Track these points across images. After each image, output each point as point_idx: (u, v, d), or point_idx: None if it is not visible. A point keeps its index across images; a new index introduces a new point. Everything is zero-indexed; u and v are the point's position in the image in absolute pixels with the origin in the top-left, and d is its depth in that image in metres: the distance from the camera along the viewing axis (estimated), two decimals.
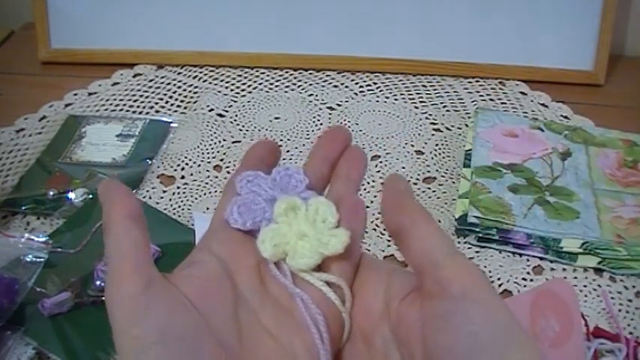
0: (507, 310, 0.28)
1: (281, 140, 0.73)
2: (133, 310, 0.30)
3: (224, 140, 0.73)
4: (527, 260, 0.59)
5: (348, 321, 0.32)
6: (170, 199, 0.66)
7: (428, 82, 0.81)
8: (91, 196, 0.64)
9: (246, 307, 0.31)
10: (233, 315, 0.31)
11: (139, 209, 0.32)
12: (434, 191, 0.66)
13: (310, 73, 0.83)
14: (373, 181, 0.68)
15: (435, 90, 0.80)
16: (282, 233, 0.33)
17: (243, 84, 0.82)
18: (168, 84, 0.82)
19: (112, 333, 0.30)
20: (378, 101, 0.79)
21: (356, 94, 0.80)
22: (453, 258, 0.30)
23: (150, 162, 0.70)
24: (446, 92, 0.80)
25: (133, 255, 0.31)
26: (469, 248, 0.60)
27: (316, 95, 0.80)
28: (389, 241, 0.61)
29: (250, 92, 0.81)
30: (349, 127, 0.75)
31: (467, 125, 0.74)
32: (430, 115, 0.76)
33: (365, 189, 0.67)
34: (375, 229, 0.62)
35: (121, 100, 0.80)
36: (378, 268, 0.34)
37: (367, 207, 0.64)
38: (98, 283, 0.55)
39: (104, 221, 0.32)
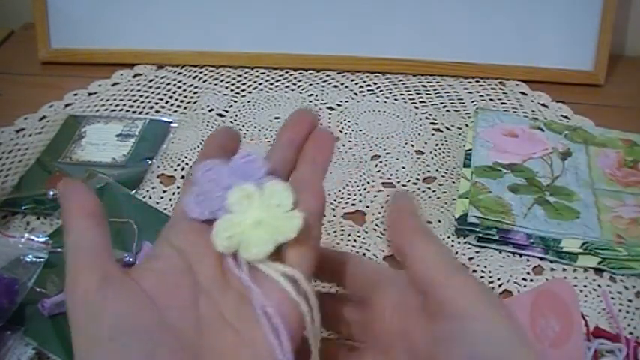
0: (509, 326, 0.28)
1: None
2: (88, 305, 0.29)
3: None
4: (527, 260, 0.59)
5: (317, 315, 0.31)
6: (170, 199, 0.66)
7: (428, 82, 0.81)
8: None
9: (207, 298, 0.31)
10: (193, 308, 0.30)
11: (98, 207, 0.33)
12: (434, 191, 0.66)
13: (310, 73, 0.83)
14: (373, 181, 0.68)
15: (435, 90, 0.80)
16: (236, 223, 0.31)
17: (243, 84, 0.82)
18: (168, 84, 0.82)
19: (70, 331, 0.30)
20: (378, 101, 0.79)
21: (356, 94, 0.80)
22: (453, 278, 0.30)
23: (150, 162, 0.70)
24: (446, 92, 0.80)
25: (89, 251, 0.31)
26: (469, 248, 0.60)
27: (316, 95, 0.80)
28: (389, 241, 0.61)
29: (250, 92, 0.81)
30: (349, 127, 0.75)
31: (467, 125, 0.74)
32: (430, 115, 0.76)
33: (365, 189, 0.67)
34: (375, 229, 0.62)
35: (121, 100, 0.80)
36: (394, 282, 0.35)
37: (367, 207, 0.65)
38: None
39: (63, 220, 0.32)
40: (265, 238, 0.31)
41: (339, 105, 0.78)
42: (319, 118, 0.36)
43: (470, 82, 0.81)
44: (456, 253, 0.60)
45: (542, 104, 0.78)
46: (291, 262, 0.31)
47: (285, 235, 0.31)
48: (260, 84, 0.82)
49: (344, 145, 0.72)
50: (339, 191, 0.67)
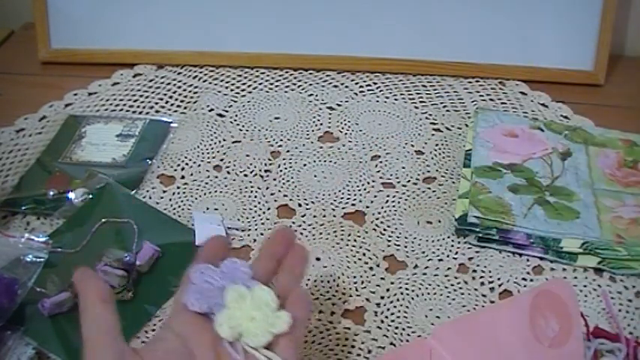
0: None
1: (281, 140, 0.73)
2: None
3: (224, 140, 0.73)
4: (527, 260, 0.59)
5: None
6: (170, 199, 0.66)
7: (428, 82, 0.81)
8: (91, 196, 0.64)
9: None
10: None
11: (110, 293, 0.41)
12: (434, 191, 0.66)
13: (310, 73, 0.83)
14: (373, 181, 0.68)
15: (435, 90, 0.80)
16: (236, 317, 0.40)
17: (243, 84, 0.82)
18: (168, 84, 0.82)
19: None
20: (378, 101, 0.79)
21: (356, 94, 0.80)
22: None
23: (150, 162, 0.70)
24: (446, 92, 0.80)
25: (104, 333, 0.38)
26: (469, 248, 0.60)
27: (316, 95, 0.80)
28: (389, 241, 0.61)
29: (250, 92, 0.81)
30: (349, 127, 0.75)
31: (467, 125, 0.74)
32: (430, 115, 0.76)
33: (365, 189, 0.67)
34: (375, 229, 0.62)
35: (121, 100, 0.80)
36: None
37: (367, 207, 0.65)
38: None
39: (80, 304, 0.40)
40: (262, 330, 0.40)
41: (339, 105, 0.78)
42: (296, 235, 0.49)
43: (470, 82, 0.81)
44: (456, 253, 0.60)
45: (542, 104, 0.78)
46: (280, 350, 0.40)
47: (278, 329, 0.40)
48: (260, 84, 0.82)
49: (344, 145, 0.72)
50: (339, 191, 0.67)
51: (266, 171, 0.69)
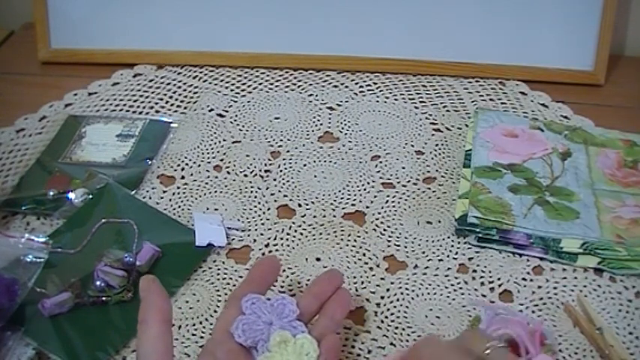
0: None
1: (281, 140, 0.73)
2: None
3: (224, 140, 0.73)
4: (528, 260, 0.59)
5: None
6: (170, 199, 0.66)
7: (428, 82, 0.81)
8: (91, 197, 0.65)
9: None
10: None
11: (171, 313, 0.43)
12: (434, 191, 0.66)
13: (310, 73, 0.83)
14: (373, 182, 0.68)
15: (435, 90, 0.80)
16: None
17: (243, 84, 0.82)
18: (168, 84, 0.82)
19: None
20: (378, 101, 0.79)
21: (356, 94, 0.80)
22: None
23: (150, 162, 0.70)
24: (446, 92, 0.80)
25: (163, 354, 0.40)
26: (469, 248, 0.60)
27: (316, 95, 0.80)
28: (389, 241, 0.61)
29: (250, 92, 0.80)
30: (349, 127, 0.75)
31: (467, 125, 0.74)
32: (430, 115, 0.76)
33: (365, 189, 0.67)
34: (375, 230, 0.62)
35: (121, 100, 0.80)
36: None
37: (367, 207, 0.65)
38: (98, 283, 0.55)
39: (140, 316, 0.42)
40: None
41: (339, 105, 0.78)
42: (343, 280, 0.51)
43: (470, 82, 0.81)
44: (456, 253, 0.60)
45: (542, 104, 0.78)
46: None
47: None
48: (260, 84, 0.82)
49: (344, 145, 0.72)
50: (339, 191, 0.67)
51: (266, 171, 0.69)
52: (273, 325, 0.45)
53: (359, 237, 0.62)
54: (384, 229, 0.62)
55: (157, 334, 0.41)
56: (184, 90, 0.81)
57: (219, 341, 0.45)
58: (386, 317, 0.55)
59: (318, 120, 0.76)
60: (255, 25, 0.83)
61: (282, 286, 0.57)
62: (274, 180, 0.68)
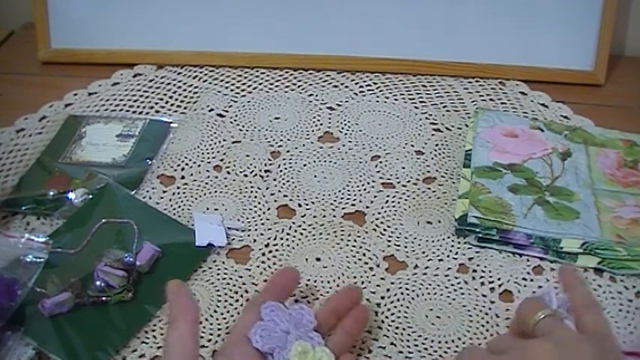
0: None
1: (281, 140, 0.73)
2: None
3: (224, 140, 0.73)
4: (528, 260, 0.59)
5: None
6: (170, 199, 0.66)
7: (428, 82, 0.81)
8: (91, 197, 0.65)
9: None
10: None
11: (198, 314, 0.44)
12: (434, 191, 0.66)
13: (310, 73, 0.83)
14: (373, 182, 0.68)
15: (435, 90, 0.80)
16: None
17: (243, 84, 0.82)
18: (168, 84, 0.82)
19: None
20: (378, 101, 0.79)
21: (356, 94, 0.80)
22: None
23: (150, 162, 0.70)
24: (446, 92, 0.80)
25: (190, 350, 0.42)
26: (469, 248, 0.60)
27: (316, 95, 0.80)
28: (389, 241, 0.61)
29: (250, 92, 0.80)
30: (349, 127, 0.75)
31: (467, 125, 0.74)
32: (430, 115, 0.76)
33: (365, 189, 0.67)
34: (375, 229, 0.62)
35: (121, 100, 0.80)
36: None
37: (367, 207, 0.65)
38: (98, 283, 0.55)
39: (172, 314, 0.44)
40: None
41: (339, 105, 0.78)
42: (362, 295, 0.52)
43: (470, 82, 0.81)
44: (456, 253, 0.60)
45: (542, 104, 0.78)
46: None
47: None
48: (260, 84, 0.82)
49: (344, 145, 0.72)
50: (339, 191, 0.67)
51: (266, 171, 0.69)
52: (291, 333, 0.46)
53: (359, 237, 0.62)
54: (384, 229, 0.62)
55: (186, 332, 0.43)
56: (184, 90, 0.81)
57: (235, 344, 0.46)
58: (386, 317, 0.55)
59: (318, 120, 0.76)
60: (255, 25, 0.83)
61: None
62: (274, 180, 0.68)
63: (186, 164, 0.70)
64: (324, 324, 0.48)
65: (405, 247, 0.61)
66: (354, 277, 0.58)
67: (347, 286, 0.54)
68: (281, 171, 0.69)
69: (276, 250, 0.61)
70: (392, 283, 0.57)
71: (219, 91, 0.80)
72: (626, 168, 0.66)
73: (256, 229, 0.63)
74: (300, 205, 0.65)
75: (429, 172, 0.69)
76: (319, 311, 0.49)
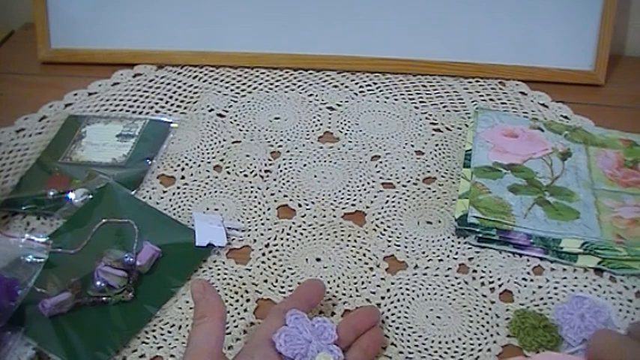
0: None
1: (281, 140, 0.73)
2: None
3: (224, 140, 0.73)
4: (528, 260, 0.59)
5: None
6: (170, 199, 0.66)
7: (428, 82, 0.81)
8: (91, 197, 0.65)
9: None
10: None
11: (225, 312, 0.46)
12: (434, 191, 0.66)
13: (310, 73, 0.83)
14: (373, 182, 0.68)
15: (435, 90, 0.80)
16: None
17: (243, 84, 0.82)
18: (168, 84, 0.82)
19: None
20: (378, 101, 0.79)
21: (356, 94, 0.80)
22: None
23: (150, 162, 0.70)
24: (446, 92, 0.80)
25: (214, 345, 0.44)
26: (469, 248, 0.60)
27: (316, 95, 0.80)
28: (389, 241, 0.61)
29: (250, 92, 0.80)
30: (349, 127, 0.75)
31: (467, 125, 0.74)
32: (430, 115, 0.76)
33: (365, 189, 0.67)
34: (375, 230, 0.62)
35: (121, 100, 0.80)
36: None
37: (367, 207, 0.65)
38: (98, 283, 0.55)
39: (200, 311, 0.45)
40: None
41: (339, 105, 0.78)
42: (381, 317, 0.54)
43: (470, 82, 0.81)
44: (456, 253, 0.60)
45: (542, 104, 0.78)
46: None
47: None
48: (260, 84, 0.82)
49: (344, 146, 0.72)
50: (339, 191, 0.67)
51: (266, 171, 0.69)
52: (312, 343, 0.47)
53: (359, 237, 0.62)
54: (384, 229, 0.62)
55: (213, 328, 0.44)
56: (184, 90, 0.81)
57: (258, 345, 0.47)
58: (386, 317, 0.55)
59: (318, 120, 0.76)
60: (255, 25, 0.83)
61: (282, 286, 0.57)
62: (274, 180, 0.68)
63: (186, 164, 0.70)
64: (344, 339, 0.49)
65: (405, 247, 0.61)
66: (354, 278, 0.58)
67: (368, 306, 0.55)
68: (281, 171, 0.69)
69: (277, 250, 0.61)
70: (392, 284, 0.58)
71: (219, 91, 0.80)
72: (626, 168, 0.67)
73: (256, 229, 0.63)
74: (300, 205, 0.65)
75: (429, 172, 0.69)
76: (339, 326, 0.50)
